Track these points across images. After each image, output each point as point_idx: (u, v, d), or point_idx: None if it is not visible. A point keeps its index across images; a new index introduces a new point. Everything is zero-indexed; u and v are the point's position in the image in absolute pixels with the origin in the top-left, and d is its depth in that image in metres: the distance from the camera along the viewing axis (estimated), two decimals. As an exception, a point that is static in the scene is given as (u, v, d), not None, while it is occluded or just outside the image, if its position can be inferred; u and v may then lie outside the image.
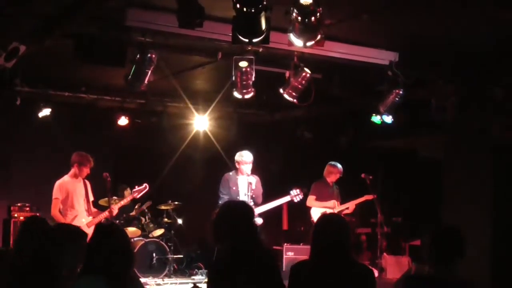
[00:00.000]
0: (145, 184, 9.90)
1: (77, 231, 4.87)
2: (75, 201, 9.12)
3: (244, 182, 9.48)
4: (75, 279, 4.20)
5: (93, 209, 9.41)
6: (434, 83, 9.53)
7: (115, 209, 9.38)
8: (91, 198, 9.44)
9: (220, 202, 9.47)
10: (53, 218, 8.99)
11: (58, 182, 9.14)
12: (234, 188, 9.49)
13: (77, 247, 4.63)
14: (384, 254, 11.57)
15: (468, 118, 9.50)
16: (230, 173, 9.65)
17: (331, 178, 10.92)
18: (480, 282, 8.69)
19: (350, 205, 10.84)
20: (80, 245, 4.64)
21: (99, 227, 4.51)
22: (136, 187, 9.90)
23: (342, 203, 10.93)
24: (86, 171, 9.24)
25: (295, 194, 9.83)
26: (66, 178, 9.21)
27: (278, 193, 9.85)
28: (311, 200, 10.84)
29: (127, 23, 7.17)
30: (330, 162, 10.97)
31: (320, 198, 10.85)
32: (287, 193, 9.82)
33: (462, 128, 9.70)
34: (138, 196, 9.92)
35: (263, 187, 9.67)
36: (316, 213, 10.69)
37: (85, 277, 4.12)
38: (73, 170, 9.21)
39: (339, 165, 10.90)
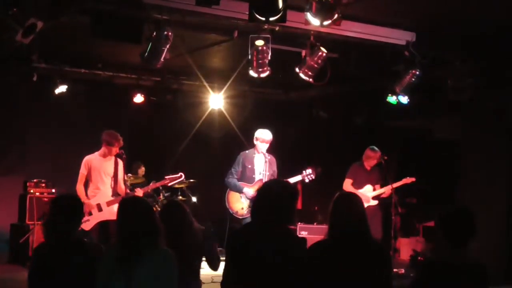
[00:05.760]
0: (180, 173, 9.64)
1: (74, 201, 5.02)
2: (98, 179, 9.11)
3: (261, 161, 9.45)
4: None
5: (123, 188, 9.32)
6: (451, 63, 9.48)
7: (139, 192, 9.36)
8: (120, 177, 9.37)
9: (225, 179, 9.48)
10: (76, 191, 9.06)
11: (85, 158, 9.17)
12: (249, 166, 9.45)
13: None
14: (398, 235, 11.58)
15: (485, 98, 9.45)
16: (247, 151, 9.58)
17: (369, 163, 10.64)
18: (496, 264, 8.71)
19: (386, 189, 10.50)
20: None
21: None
22: (171, 175, 9.73)
23: (384, 185, 10.60)
24: (115, 150, 9.20)
25: (307, 174, 9.69)
26: (94, 155, 9.19)
27: (292, 172, 9.83)
28: (347, 184, 10.66)
29: (144, 0, 7.17)
30: (370, 147, 10.68)
31: (356, 181, 10.65)
32: (299, 172, 9.76)
33: (479, 109, 9.64)
34: (169, 184, 9.81)
35: (278, 166, 9.65)
36: None
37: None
38: (102, 149, 9.22)
39: (377, 150, 10.63)
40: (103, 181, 9.14)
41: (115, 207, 9.02)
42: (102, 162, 9.16)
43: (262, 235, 4.43)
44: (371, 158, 10.62)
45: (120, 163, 9.31)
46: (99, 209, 8.97)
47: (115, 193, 9.19)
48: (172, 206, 6.01)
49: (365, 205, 10.29)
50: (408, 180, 10.57)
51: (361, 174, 10.71)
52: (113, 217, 9.08)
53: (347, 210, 4.40)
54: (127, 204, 4.61)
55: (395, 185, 10.47)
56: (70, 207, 4.86)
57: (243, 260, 4.44)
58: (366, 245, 4.33)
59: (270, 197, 4.53)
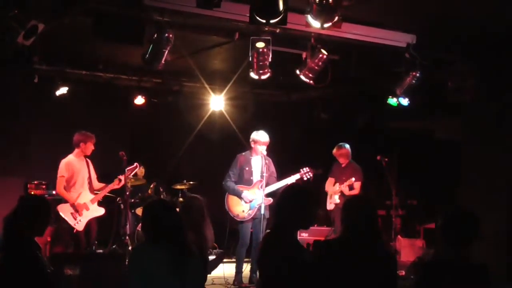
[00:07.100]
0: (136, 164, 10.18)
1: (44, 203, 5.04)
2: (79, 180, 9.32)
3: (259, 163, 9.45)
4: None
5: (98, 185, 9.66)
6: (451, 65, 9.48)
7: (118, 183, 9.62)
8: (93, 176, 9.61)
9: (223, 183, 9.49)
10: (59, 195, 9.22)
11: (64, 161, 9.33)
12: (247, 168, 9.46)
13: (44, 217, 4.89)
14: (399, 236, 11.58)
15: (486, 99, 9.45)
16: (243, 154, 9.60)
17: (340, 160, 10.88)
18: (496, 265, 8.69)
19: (343, 189, 10.57)
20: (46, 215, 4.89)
21: (161, 202, 5.07)
22: (128, 166, 10.01)
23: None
24: (90, 147, 9.45)
25: (305, 172, 9.66)
26: (71, 157, 9.41)
27: (292, 174, 9.83)
28: (327, 183, 10.98)
29: (146, 2, 7.20)
30: (338, 144, 10.93)
31: (336, 179, 10.84)
32: (297, 171, 9.74)
33: (479, 110, 9.64)
34: (130, 175, 10.05)
35: (278, 169, 9.65)
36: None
37: (147, 245, 4.52)
38: (77, 150, 9.41)
39: (342, 147, 10.84)
40: (84, 182, 9.34)
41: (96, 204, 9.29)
42: (80, 162, 9.38)
43: (269, 238, 4.60)
44: (336, 155, 10.89)
45: (90, 162, 9.65)
46: (87, 208, 9.19)
47: (92, 191, 9.40)
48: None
49: (332, 204, 10.52)
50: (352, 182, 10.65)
51: (338, 172, 10.92)
52: (98, 213, 9.47)
53: (355, 213, 4.41)
54: (166, 206, 4.71)
55: (342, 188, 10.61)
56: (32, 208, 4.88)
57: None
58: (372, 248, 4.33)
59: (282, 202, 4.60)
